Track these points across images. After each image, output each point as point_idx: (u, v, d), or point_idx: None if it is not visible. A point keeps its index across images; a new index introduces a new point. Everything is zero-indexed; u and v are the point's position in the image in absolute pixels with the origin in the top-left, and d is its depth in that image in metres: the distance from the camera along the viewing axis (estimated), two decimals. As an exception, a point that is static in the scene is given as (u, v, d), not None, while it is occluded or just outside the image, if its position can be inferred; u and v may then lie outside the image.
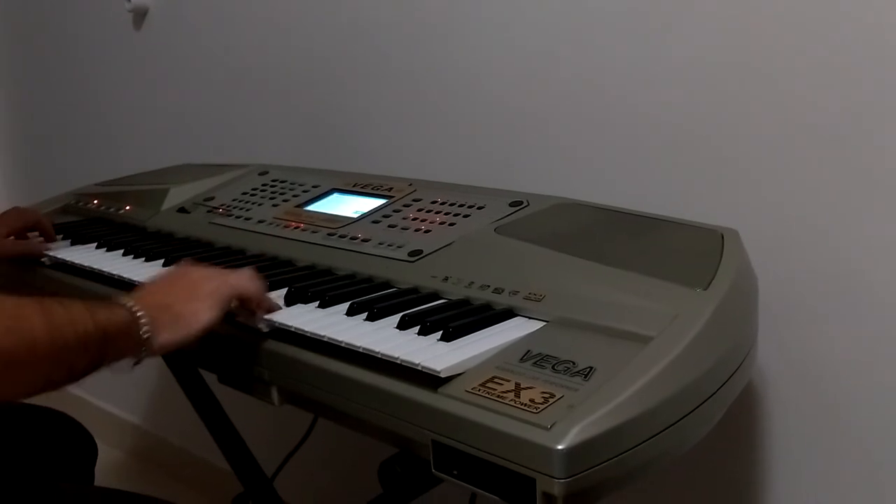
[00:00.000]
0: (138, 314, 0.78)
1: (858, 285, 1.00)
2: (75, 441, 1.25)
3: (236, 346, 0.87)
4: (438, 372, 0.70)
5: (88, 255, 1.14)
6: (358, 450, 1.51)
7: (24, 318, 0.69)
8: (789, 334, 1.05)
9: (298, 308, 0.89)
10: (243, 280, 0.87)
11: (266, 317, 0.86)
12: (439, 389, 0.70)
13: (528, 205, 1.04)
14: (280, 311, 0.88)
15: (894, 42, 0.94)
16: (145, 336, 0.78)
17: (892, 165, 0.96)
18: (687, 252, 0.91)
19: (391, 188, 1.17)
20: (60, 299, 0.74)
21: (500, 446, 0.64)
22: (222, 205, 1.26)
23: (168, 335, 0.80)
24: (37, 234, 1.23)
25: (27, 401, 1.25)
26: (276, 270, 1.01)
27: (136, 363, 0.79)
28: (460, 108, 1.34)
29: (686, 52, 1.09)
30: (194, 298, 0.83)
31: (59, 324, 0.71)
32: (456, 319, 0.80)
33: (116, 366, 0.78)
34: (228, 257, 1.08)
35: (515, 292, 0.85)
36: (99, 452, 1.29)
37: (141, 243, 1.16)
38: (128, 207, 1.34)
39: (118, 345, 0.76)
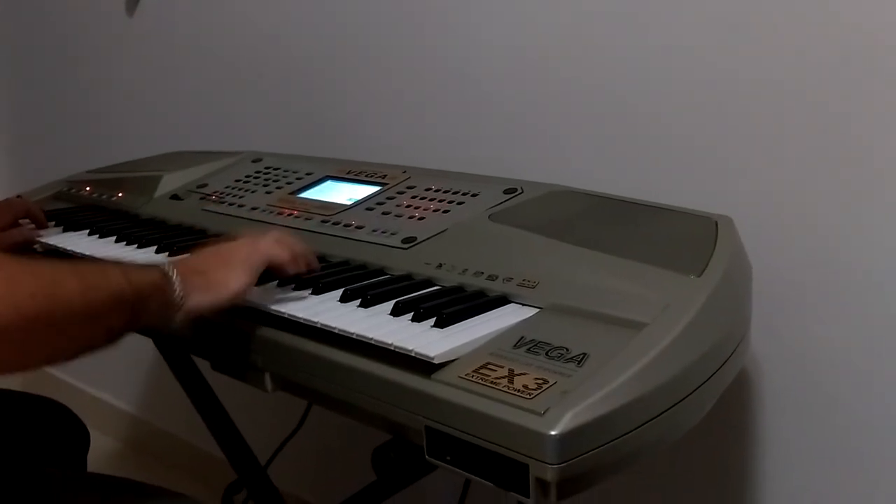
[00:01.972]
0: (172, 276, 0.80)
1: (852, 273, 1.00)
2: (68, 429, 1.25)
3: (229, 333, 0.87)
4: (432, 358, 0.70)
5: (81, 242, 1.14)
6: (352, 437, 1.51)
7: (59, 282, 0.70)
8: (783, 321, 1.06)
9: (292, 294, 0.89)
10: (274, 247, 0.89)
11: (258, 303, 0.86)
12: (433, 376, 0.70)
13: (523, 192, 1.04)
14: (275, 296, 0.88)
15: (887, 31, 0.94)
16: (179, 297, 0.79)
17: (887, 154, 0.96)
18: (681, 239, 0.91)
19: (385, 175, 1.17)
20: (98, 263, 0.76)
21: (494, 432, 0.64)
22: (215, 192, 1.25)
23: (200, 298, 0.81)
24: (28, 221, 1.22)
25: (21, 389, 1.25)
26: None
27: (170, 325, 0.81)
28: (455, 95, 1.34)
29: (681, 40, 1.09)
30: (226, 265, 0.85)
31: (94, 285, 0.72)
32: (450, 306, 0.80)
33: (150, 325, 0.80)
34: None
35: (509, 279, 0.85)
36: (92, 441, 1.28)
37: (133, 230, 1.15)
38: (120, 194, 1.34)
39: (152, 304, 0.78)
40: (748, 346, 0.90)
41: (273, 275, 0.91)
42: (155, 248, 1.07)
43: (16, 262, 0.69)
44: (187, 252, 1.03)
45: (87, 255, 1.06)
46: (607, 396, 0.64)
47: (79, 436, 1.26)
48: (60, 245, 1.12)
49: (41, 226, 1.22)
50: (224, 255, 0.87)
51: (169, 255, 1.02)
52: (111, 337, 0.75)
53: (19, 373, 0.69)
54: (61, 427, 1.25)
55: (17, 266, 0.68)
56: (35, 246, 1.15)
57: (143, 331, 1.05)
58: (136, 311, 0.76)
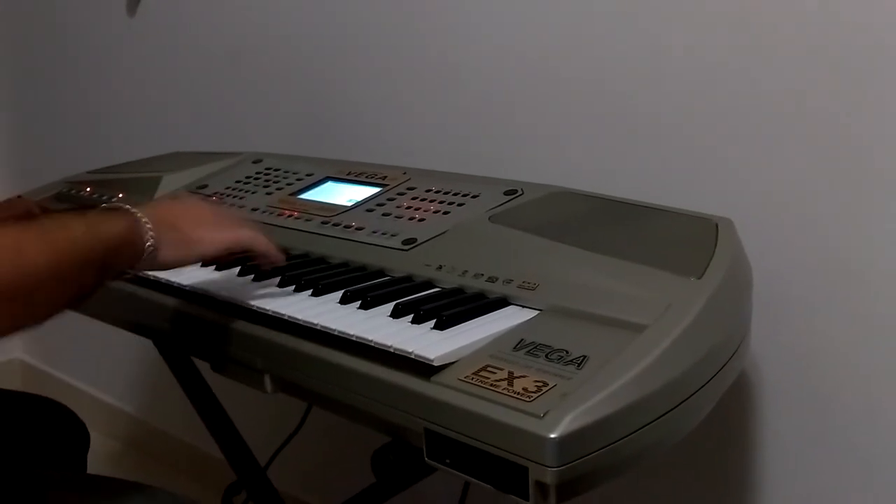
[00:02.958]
0: (146, 224, 0.78)
1: (852, 275, 1.00)
2: (68, 430, 1.25)
3: (229, 335, 0.87)
4: (432, 360, 0.70)
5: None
6: (351, 439, 1.51)
7: (25, 250, 0.68)
8: (783, 323, 1.05)
9: (292, 296, 0.89)
10: (256, 235, 0.87)
11: (259, 304, 0.86)
12: (432, 378, 0.70)
13: (523, 193, 1.03)
14: (275, 298, 0.88)
15: (887, 30, 0.93)
16: (148, 248, 0.77)
17: (886, 155, 0.96)
18: (681, 241, 0.91)
19: (385, 176, 1.16)
20: (61, 216, 0.74)
21: (493, 435, 0.64)
22: (215, 193, 1.25)
23: (169, 252, 0.80)
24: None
25: (21, 389, 1.25)
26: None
27: (135, 272, 0.80)
28: (455, 96, 1.34)
29: (682, 41, 1.09)
30: (202, 226, 0.83)
31: (62, 248, 0.71)
32: (449, 308, 0.80)
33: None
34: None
35: (509, 281, 0.85)
36: (92, 441, 1.28)
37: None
38: (120, 195, 1.33)
39: (121, 255, 0.76)
40: (748, 348, 0.90)
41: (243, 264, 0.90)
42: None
43: None
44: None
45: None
46: (607, 399, 0.64)
47: (79, 436, 1.26)
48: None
49: None
50: (200, 215, 0.85)
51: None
52: (82, 295, 0.74)
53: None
54: (61, 428, 1.24)
55: None
56: None
57: (142, 331, 1.05)
58: (105, 266, 0.75)
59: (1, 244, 0.67)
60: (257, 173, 1.29)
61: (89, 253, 0.73)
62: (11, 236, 0.69)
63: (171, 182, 1.32)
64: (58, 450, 1.22)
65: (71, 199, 1.39)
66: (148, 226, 0.78)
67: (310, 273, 0.94)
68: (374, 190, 1.13)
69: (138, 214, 0.78)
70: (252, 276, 0.94)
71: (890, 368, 0.99)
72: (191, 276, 0.97)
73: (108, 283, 0.78)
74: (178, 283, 0.95)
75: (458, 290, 0.87)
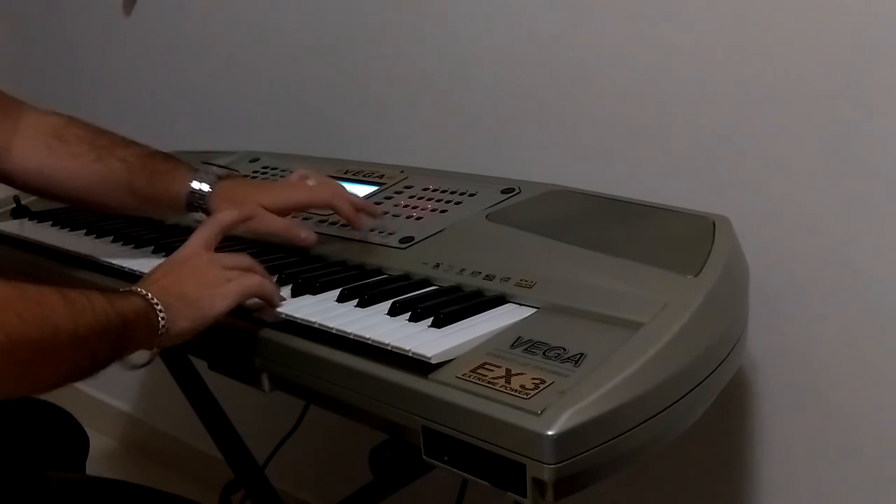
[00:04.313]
0: (154, 302, 0.77)
1: (849, 273, 1.00)
2: (67, 433, 1.25)
3: (227, 333, 0.87)
4: (429, 358, 0.71)
5: (78, 242, 1.13)
6: (349, 437, 1.51)
7: (47, 305, 0.68)
8: (780, 321, 1.06)
9: (289, 295, 0.89)
10: (261, 283, 0.85)
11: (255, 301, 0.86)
12: (430, 375, 0.70)
13: (520, 192, 1.04)
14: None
15: (887, 30, 0.94)
16: (162, 324, 0.77)
17: (885, 153, 0.96)
18: (678, 239, 0.91)
19: (382, 175, 1.17)
20: (81, 289, 0.73)
21: (491, 432, 0.64)
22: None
23: (185, 323, 0.79)
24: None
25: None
26: (267, 257, 1.00)
27: (153, 354, 0.79)
28: (452, 94, 1.34)
29: (680, 39, 1.09)
30: (208, 286, 0.82)
31: (81, 311, 0.70)
32: (447, 306, 0.80)
33: (131, 358, 0.78)
34: (220, 244, 1.07)
35: (507, 279, 0.85)
36: (90, 441, 1.28)
37: (130, 230, 1.15)
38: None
39: (136, 332, 0.75)
40: (745, 346, 0.91)
41: None
42: (152, 248, 1.07)
43: (1, 280, 0.66)
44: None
45: (85, 255, 1.06)
46: (604, 396, 0.64)
47: (78, 440, 1.26)
48: (58, 245, 1.12)
49: None
50: (202, 274, 0.83)
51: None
52: (95, 365, 0.73)
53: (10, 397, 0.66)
54: (61, 431, 1.24)
55: (3, 285, 0.66)
56: None
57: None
58: (121, 338, 0.74)
59: (23, 292, 0.67)
60: (254, 172, 1.29)
61: (107, 322, 0.72)
62: (34, 291, 0.68)
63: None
64: (57, 453, 1.22)
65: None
66: (156, 303, 0.77)
67: (307, 271, 0.94)
68: (372, 188, 1.14)
69: (143, 292, 0.78)
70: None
71: (889, 366, 1.00)
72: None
73: (120, 362, 0.77)
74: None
75: (456, 289, 0.87)
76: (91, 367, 0.72)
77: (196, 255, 0.87)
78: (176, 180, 1.01)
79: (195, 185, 1.01)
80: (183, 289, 0.81)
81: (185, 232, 1.15)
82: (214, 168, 1.07)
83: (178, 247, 1.04)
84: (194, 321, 0.80)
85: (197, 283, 0.82)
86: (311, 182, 1.04)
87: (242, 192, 1.00)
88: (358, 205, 1.01)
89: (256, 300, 0.85)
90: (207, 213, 1.00)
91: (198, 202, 1.01)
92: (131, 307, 0.75)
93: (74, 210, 1.32)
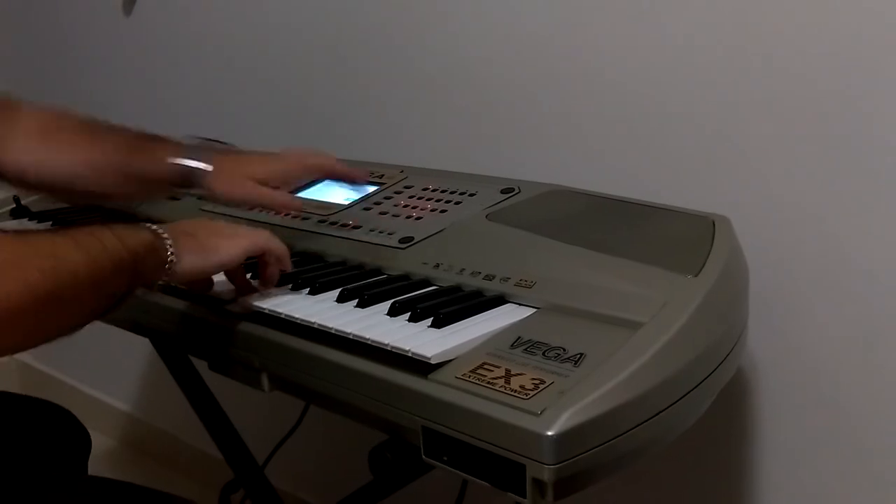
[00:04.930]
0: (164, 235, 0.79)
1: (850, 272, 1.00)
2: (69, 434, 1.25)
3: (226, 333, 0.87)
4: (429, 358, 0.70)
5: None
6: (349, 437, 1.51)
7: (62, 256, 0.69)
8: (780, 321, 1.06)
9: (289, 294, 0.89)
10: (272, 237, 0.89)
11: (256, 303, 0.86)
12: (429, 376, 0.70)
13: (520, 192, 1.04)
14: (272, 296, 0.88)
15: (887, 30, 0.94)
16: (170, 257, 0.79)
17: (885, 152, 0.96)
18: (678, 239, 0.91)
19: (382, 175, 1.16)
20: (89, 229, 0.75)
21: (491, 432, 0.64)
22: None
23: (191, 259, 0.81)
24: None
25: (20, 389, 1.25)
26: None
27: (161, 285, 0.81)
28: (452, 94, 1.34)
29: (680, 39, 1.09)
30: (218, 235, 0.85)
31: (96, 255, 0.72)
32: (447, 306, 0.80)
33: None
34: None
35: (506, 279, 0.85)
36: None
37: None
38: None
39: (147, 266, 0.77)
40: (745, 346, 0.90)
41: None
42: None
43: (16, 238, 0.68)
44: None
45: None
46: (604, 396, 0.64)
47: (80, 440, 1.26)
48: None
49: None
50: (215, 226, 0.87)
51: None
52: (115, 302, 0.75)
53: (26, 350, 0.69)
54: (62, 432, 1.24)
55: (19, 243, 0.68)
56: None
57: (140, 330, 1.05)
58: (134, 273, 0.76)
59: (39, 248, 0.68)
60: (254, 172, 1.29)
61: (120, 259, 0.74)
62: (47, 243, 0.70)
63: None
64: (59, 454, 1.22)
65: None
66: (165, 236, 0.80)
67: (307, 271, 0.94)
68: (372, 188, 1.13)
69: (156, 228, 0.80)
70: (249, 274, 0.94)
71: (889, 366, 1.00)
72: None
73: (136, 291, 0.79)
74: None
75: (456, 289, 0.87)
76: (110, 303, 0.75)
77: (222, 221, 0.90)
78: (167, 157, 0.99)
79: (191, 163, 0.98)
80: (195, 232, 0.84)
81: None
82: (204, 142, 1.05)
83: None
84: (200, 261, 0.82)
85: (209, 231, 0.85)
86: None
87: (241, 169, 1.00)
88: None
89: (231, 289, 0.88)
90: (204, 190, 0.99)
91: (197, 181, 0.99)
92: (140, 241, 0.77)
93: (74, 210, 1.32)
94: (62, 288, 0.68)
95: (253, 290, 0.89)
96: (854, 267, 1.00)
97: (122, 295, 0.76)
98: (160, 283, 0.81)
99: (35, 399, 1.24)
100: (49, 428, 1.23)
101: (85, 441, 1.26)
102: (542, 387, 0.65)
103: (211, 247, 0.83)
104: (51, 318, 0.68)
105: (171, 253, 0.79)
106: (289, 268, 0.91)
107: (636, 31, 1.12)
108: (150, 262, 0.78)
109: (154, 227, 0.80)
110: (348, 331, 0.77)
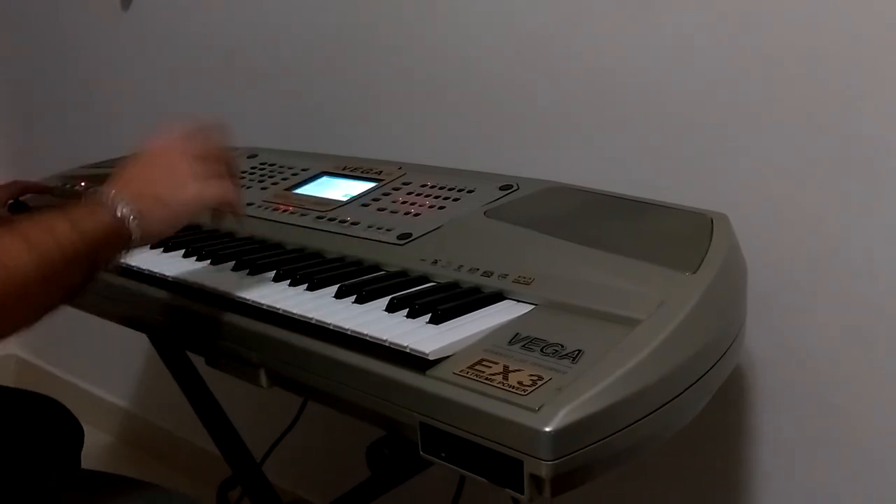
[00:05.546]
0: (124, 210, 0.77)
1: (848, 271, 1.00)
2: (62, 426, 1.25)
3: (224, 329, 0.87)
4: (427, 354, 0.70)
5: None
6: (347, 433, 1.51)
7: (10, 256, 0.68)
8: (778, 318, 1.06)
9: (287, 290, 0.89)
10: (228, 191, 0.86)
11: (254, 298, 0.86)
12: (427, 372, 0.70)
13: (518, 188, 1.04)
14: (270, 292, 0.88)
15: (887, 30, 0.94)
16: (136, 232, 0.77)
17: (884, 152, 0.96)
18: (676, 236, 0.91)
19: (381, 171, 1.16)
20: (42, 220, 0.73)
21: (488, 428, 0.64)
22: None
23: (159, 226, 0.80)
24: (30, 196, 1.24)
25: (16, 384, 1.25)
26: (265, 253, 1.00)
27: (126, 253, 0.79)
28: (450, 91, 1.34)
29: (678, 36, 1.09)
30: (180, 187, 0.82)
31: (47, 253, 0.70)
32: (445, 302, 0.80)
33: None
34: (216, 241, 1.07)
35: (504, 275, 0.85)
36: (86, 436, 1.28)
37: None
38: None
39: (107, 250, 0.76)
40: (743, 343, 0.91)
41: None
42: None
43: None
44: (182, 247, 1.04)
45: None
46: (602, 393, 0.64)
47: (73, 433, 1.26)
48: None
49: (41, 191, 1.23)
50: (172, 172, 0.82)
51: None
52: (71, 293, 0.74)
53: None
54: (55, 424, 1.24)
55: None
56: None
57: (137, 326, 1.05)
58: (92, 261, 0.75)
59: None
60: (252, 168, 1.29)
61: (75, 252, 0.72)
62: None
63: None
64: (52, 446, 1.22)
65: (66, 193, 1.39)
66: (125, 209, 0.77)
67: (305, 267, 0.94)
68: (370, 185, 1.13)
69: (113, 198, 0.77)
70: (247, 270, 0.94)
71: (887, 365, 1.00)
72: (184, 268, 0.97)
73: (100, 274, 0.78)
74: (174, 277, 0.95)
75: (454, 285, 0.87)
76: (67, 296, 0.73)
77: (170, 149, 0.85)
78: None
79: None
80: (155, 189, 0.80)
81: (218, 235, 1.15)
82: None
83: (176, 243, 1.04)
84: (165, 226, 0.81)
85: (169, 182, 0.82)
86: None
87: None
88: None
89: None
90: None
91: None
92: (99, 227, 0.75)
93: (57, 207, 1.31)
94: (10, 293, 0.67)
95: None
96: (852, 265, 1.00)
97: (78, 286, 0.74)
98: (128, 250, 0.79)
99: (26, 392, 1.24)
100: (41, 420, 1.23)
101: (78, 434, 1.26)
102: (539, 383, 0.65)
103: (177, 208, 0.80)
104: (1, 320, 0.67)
105: (137, 227, 0.77)
106: (241, 212, 0.88)
107: (634, 29, 1.12)
108: (114, 244, 0.76)
109: (115, 199, 0.76)
110: (346, 326, 0.77)
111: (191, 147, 0.85)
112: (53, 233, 0.72)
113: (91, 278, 0.76)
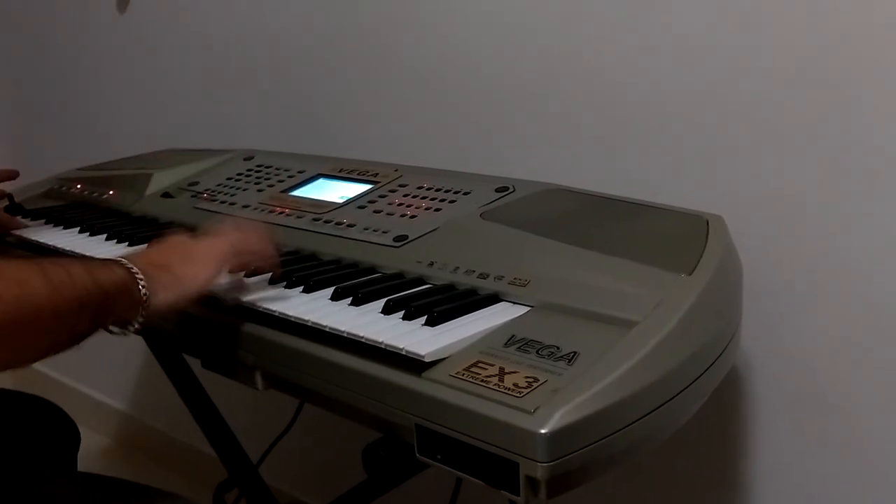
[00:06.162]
0: (135, 273, 0.77)
1: (844, 272, 1.00)
2: (58, 428, 1.24)
3: (220, 331, 0.87)
4: (422, 356, 0.70)
5: (72, 240, 1.13)
6: (343, 435, 1.51)
7: (28, 283, 0.68)
8: (773, 320, 1.06)
9: (283, 292, 0.89)
10: (244, 237, 0.87)
11: (250, 300, 0.86)
12: (423, 374, 0.70)
13: (514, 190, 1.04)
14: (266, 294, 0.88)
15: (884, 28, 0.94)
16: (143, 295, 0.77)
17: (878, 149, 0.96)
18: (672, 238, 0.91)
19: (377, 173, 1.16)
20: (59, 261, 0.73)
21: (484, 430, 0.64)
22: (207, 190, 1.25)
23: (166, 294, 0.79)
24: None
25: (12, 386, 1.25)
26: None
27: (137, 326, 0.78)
28: (446, 93, 1.34)
29: (674, 38, 1.09)
30: (192, 260, 0.83)
31: (61, 287, 0.70)
32: (440, 304, 0.80)
33: (115, 328, 0.78)
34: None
35: (500, 277, 0.85)
36: (83, 438, 1.28)
37: (125, 227, 1.15)
38: (111, 192, 1.33)
39: (117, 304, 0.76)
40: (739, 344, 0.91)
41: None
42: (146, 246, 1.06)
43: None
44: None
45: (78, 254, 1.06)
46: (597, 395, 0.64)
47: (69, 435, 1.26)
48: (51, 243, 1.11)
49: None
50: (186, 249, 0.85)
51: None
52: (73, 339, 0.74)
53: None
54: (51, 426, 1.24)
55: None
56: (9, 238, 1.15)
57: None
58: (102, 312, 0.75)
59: (5, 276, 0.67)
60: (248, 170, 1.29)
61: (87, 295, 0.72)
62: (14, 269, 0.69)
63: (162, 179, 1.32)
64: (48, 449, 1.22)
65: (62, 195, 1.39)
66: (137, 272, 0.77)
67: (301, 270, 0.94)
68: (366, 187, 1.13)
69: (126, 263, 0.78)
70: (243, 272, 0.94)
71: (884, 366, 1.00)
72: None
73: (105, 330, 0.78)
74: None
75: (450, 287, 0.87)
76: (69, 341, 0.73)
77: (187, 237, 0.87)
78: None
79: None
80: (167, 261, 0.82)
81: (181, 229, 1.15)
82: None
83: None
84: (175, 293, 0.80)
85: (182, 258, 0.83)
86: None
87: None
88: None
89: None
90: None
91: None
92: (112, 278, 0.75)
93: (69, 208, 1.32)
94: (21, 317, 0.67)
95: (242, 285, 0.89)
96: (850, 266, 1.00)
97: (83, 332, 0.74)
98: (138, 322, 0.78)
99: (23, 394, 1.24)
100: (37, 423, 1.22)
101: (74, 436, 1.26)
102: (535, 385, 0.65)
103: (186, 275, 0.81)
104: (4, 344, 0.66)
105: (145, 291, 0.77)
106: (269, 262, 0.89)
107: (632, 30, 1.12)
108: (122, 301, 0.76)
109: (128, 263, 0.78)
110: (342, 329, 0.77)
111: (230, 238, 0.87)
112: (70, 272, 0.72)
113: (96, 329, 0.75)
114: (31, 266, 0.71)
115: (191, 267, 0.82)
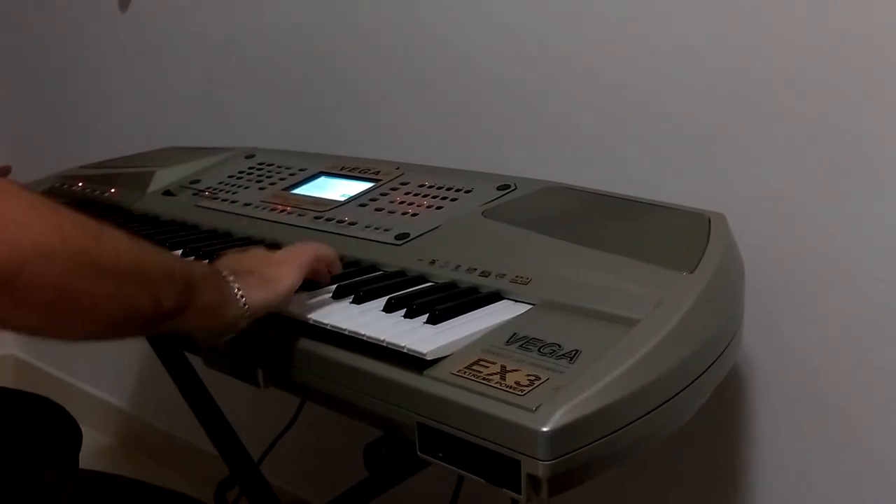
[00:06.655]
0: (223, 272, 0.75)
1: (846, 270, 1.00)
2: (60, 427, 1.24)
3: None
4: (424, 354, 0.70)
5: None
6: (344, 433, 1.51)
7: (105, 229, 0.62)
8: (775, 318, 1.06)
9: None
10: (319, 248, 0.86)
11: None
12: (425, 372, 0.70)
13: (516, 188, 1.04)
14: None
15: (884, 28, 0.94)
16: (240, 296, 0.73)
17: (879, 148, 0.96)
18: (674, 236, 0.91)
19: (378, 171, 1.16)
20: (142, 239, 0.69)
21: (486, 428, 0.64)
22: (208, 188, 1.25)
23: (261, 294, 0.76)
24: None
25: (15, 385, 1.25)
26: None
27: (244, 325, 0.75)
28: (448, 91, 1.34)
29: (676, 36, 1.09)
30: (272, 264, 0.81)
31: (144, 249, 0.66)
32: (442, 302, 0.80)
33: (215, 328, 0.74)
34: (214, 240, 1.08)
35: (502, 275, 0.85)
36: (84, 437, 1.28)
37: (127, 226, 1.15)
38: (113, 190, 1.33)
39: (204, 292, 0.71)
40: (740, 343, 0.91)
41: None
42: (149, 245, 1.06)
43: (54, 203, 0.61)
44: (180, 248, 1.04)
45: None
46: (599, 393, 0.64)
47: (71, 433, 1.26)
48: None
49: None
50: (263, 256, 0.83)
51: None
52: (158, 311, 0.66)
53: (65, 337, 0.61)
54: (53, 425, 1.24)
55: (55, 206, 0.60)
56: None
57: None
58: (188, 292, 0.69)
59: (78, 216, 0.61)
60: (250, 168, 1.29)
61: (171, 269, 0.68)
62: (88, 217, 0.63)
63: (164, 177, 1.32)
64: (50, 448, 1.22)
65: (64, 194, 1.39)
66: (225, 272, 0.75)
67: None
68: (367, 185, 1.13)
69: (216, 267, 0.76)
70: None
71: (885, 365, 1.00)
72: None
73: (198, 331, 0.73)
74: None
75: (451, 285, 0.87)
76: (154, 311, 0.66)
77: (261, 252, 0.85)
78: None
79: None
80: (250, 266, 0.79)
81: (182, 227, 1.15)
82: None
83: (175, 243, 1.04)
84: (267, 294, 0.77)
85: (261, 263, 0.81)
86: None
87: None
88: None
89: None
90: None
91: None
92: (198, 267, 0.74)
93: (70, 206, 1.31)
94: (99, 253, 0.59)
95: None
96: (850, 265, 1.00)
97: (169, 309, 0.67)
98: (245, 321, 0.75)
99: (25, 393, 1.24)
100: (39, 421, 1.22)
101: (76, 435, 1.26)
102: (537, 383, 0.65)
103: (273, 277, 0.78)
104: (85, 284, 0.59)
105: (240, 293, 0.74)
106: (337, 270, 0.89)
107: (632, 28, 1.12)
108: (211, 293, 0.72)
109: (211, 266, 0.76)
110: (344, 327, 0.77)
111: (314, 246, 0.86)
112: (153, 247, 0.68)
113: (183, 309, 0.69)
114: (120, 233, 0.64)
115: (273, 270, 0.80)
